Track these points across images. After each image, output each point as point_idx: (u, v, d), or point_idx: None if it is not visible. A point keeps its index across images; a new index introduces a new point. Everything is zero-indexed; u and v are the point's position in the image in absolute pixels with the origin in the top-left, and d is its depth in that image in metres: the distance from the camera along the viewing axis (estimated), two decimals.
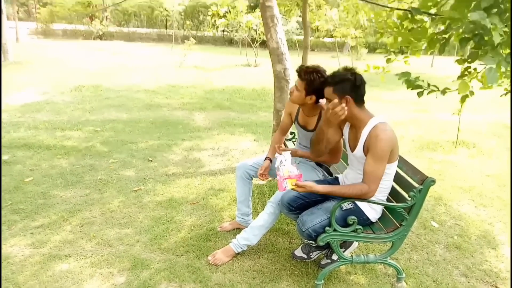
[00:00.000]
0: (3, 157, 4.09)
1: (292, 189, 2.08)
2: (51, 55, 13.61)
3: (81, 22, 23.46)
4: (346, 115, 2.07)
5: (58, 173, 3.75)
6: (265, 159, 2.68)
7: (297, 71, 2.42)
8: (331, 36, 14.47)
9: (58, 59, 12.78)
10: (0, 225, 2.76)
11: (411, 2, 3.37)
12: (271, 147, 2.74)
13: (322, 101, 2.42)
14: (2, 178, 3.58)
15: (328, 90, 2.09)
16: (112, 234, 2.73)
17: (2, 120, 5.55)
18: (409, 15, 2.60)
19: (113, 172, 3.84)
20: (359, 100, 2.08)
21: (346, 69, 2.09)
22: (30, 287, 2.15)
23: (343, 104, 2.01)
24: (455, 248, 2.77)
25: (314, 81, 2.33)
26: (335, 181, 2.44)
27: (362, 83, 2.07)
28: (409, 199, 2.10)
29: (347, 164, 2.41)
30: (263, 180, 2.73)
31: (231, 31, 15.52)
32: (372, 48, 18.33)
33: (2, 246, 2.53)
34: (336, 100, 2.04)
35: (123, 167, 4.00)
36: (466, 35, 2.04)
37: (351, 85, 2.04)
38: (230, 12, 11.59)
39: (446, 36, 2.36)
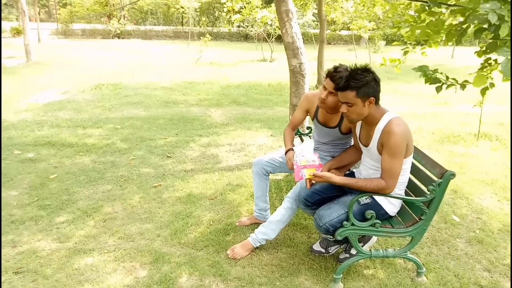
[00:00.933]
0: (29, 155, 4.24)
1: (309, 178, 2.08)
2: (71, 55, 13.94)
3: (99, 21, 23.89)
4: (362, 117, 2.07)
5: (80, 170, 3.86)
6: (287, 152, 2.54)
7: (330, 74, 2.30)
8: (348, 28, 14.28)
9: (78, 58, 13.07)
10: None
11: None
12: (286, 140, 2.67)
13: None
14: (28, 175, 3.72)
15: (350, 95, 2.00)
16: (133, 229, 2.80)
17: (27, 119, 5.73)
18: (427, 8, 2.55)
19: (133, 169, 3.93)
20: (379, 99, 2.06)
21: (364, 70, 2.02)
22: (57, 280, 2.24)
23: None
24: (477, 243, 2.72)
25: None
26: (351, 175, 2.44)
27: (380, 81, 2.05)
28: (428, 193, 2.08)
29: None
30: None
31: (247, 26, 15.52)
32: (390, 40, 18.01)
33: (31, 240, 2.63)
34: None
35: (142, 163, 4.08)
36: (483, 26, 1.99)
37: (373, 86, 2.01)
38: (245, 7, 11.57)
39: (464, 26, 2.31)
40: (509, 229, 2.91)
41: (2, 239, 2.65)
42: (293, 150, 2.54)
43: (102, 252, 2.51)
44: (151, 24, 25.23)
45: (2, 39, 19.63)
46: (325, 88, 2.37)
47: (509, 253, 2.61)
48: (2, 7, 26.93)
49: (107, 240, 2.66)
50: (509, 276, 2.39)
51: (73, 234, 2.72)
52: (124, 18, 24.08)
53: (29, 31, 12.02)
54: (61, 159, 4.16)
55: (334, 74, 2.28)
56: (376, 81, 2.02)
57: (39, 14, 22.95)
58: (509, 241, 2.75)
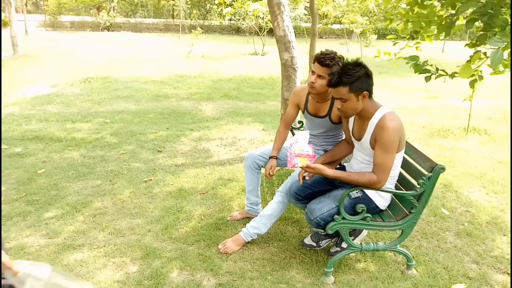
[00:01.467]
0: (16, 149, 4.16)
1: (301, 167, 2.07)
2: (60, 47, 13.69)
3: (89, 13, 23.50)
4: (357, 112, 2.06)
5: (69, 165, 3.81)
6: (271, 157, 2.58)
7: (318, 58, 2.33)
8: (340, 22, 14.26)
9: (66, 51, 12.85)
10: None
11: None
12: (275, 143, 2.65)
13: None
14: (16, 170, 3.66)
15: (343, 90, 1.98)
16: (123, 224, 2.78)
17: (14, 113, 5.63)
18: (419, 1, 2.55)
19: (123, 163, 3.89)
20: (372, 92, 2.05)
21: (355, 65, 2.01)
22: None
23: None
24: (466, 235, 2.76)
25: (337, 66, 2.30)
26: (342, 169, 2.44)
27: (372, 75, 2.05)
28: (419, 186, 2.10)
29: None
30: (270, 178, 2.67)
31: (238, 19, 15.41)
32: (381, 34, 18.05)
33: (19, 236, 2.59)
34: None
35: (133, 158, 4.04)
36: (474, 16, 1.99)
37: (366, 80, 2.00)
38: (236, 0, 11.47)
39: (454, 18, 2.32)
40: (497, 222, 2.95)
41: None
42: (276, 158, 2.57)
43: (92, 248, 2.48)
44: (141, 16, 24.92)
45: None
46: (313, 72, 2.38)
47: (497, 246, 2.65)
48: None
49: (96, 235, 2.63)
50: (497, 267, 2.42)
51: (62, 229, 2.68)
52: (113, 10, 23.72)
53: (15, 22, 11.75)
54: (49, 153, 4.09)
55: (321, 57, 2.32)
56: (368, 75, 2.01)
57: (26, 6, 22.50)
58: (497, 234, 2.79)
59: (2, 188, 3.28)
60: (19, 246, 2.48)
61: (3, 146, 4.25)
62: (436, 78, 2.48)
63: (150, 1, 24.01)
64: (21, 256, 2.38)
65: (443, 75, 2.48)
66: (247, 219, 2.80)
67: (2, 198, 3.11)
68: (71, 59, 11.14)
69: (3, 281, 1.22)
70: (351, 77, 1.97)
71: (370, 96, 2.05)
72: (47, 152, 4.14)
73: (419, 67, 2.53)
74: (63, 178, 3.50)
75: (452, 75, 2.50)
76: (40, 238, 2.58)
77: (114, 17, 22.77)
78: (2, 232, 2.64)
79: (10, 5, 11.73)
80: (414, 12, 2.69)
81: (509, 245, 2.65)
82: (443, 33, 2.33)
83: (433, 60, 2.93)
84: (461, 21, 2.40)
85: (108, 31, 21.74)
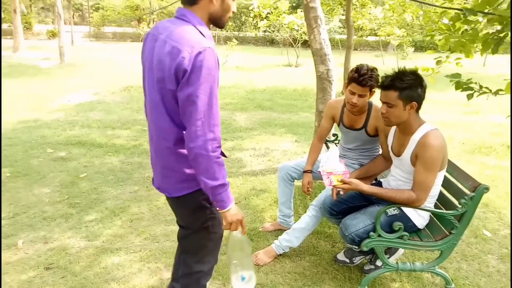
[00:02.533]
0: (60, 154, 4.39)
1: (336, 186, 2.05)
2: (102, 57, 14.38)
3: (130, 25, 24.56)
4: (400, 121, 2.02)
5: (109, 170, 3.97)
6: (305, 171, 2.56)
7: (356, 79, 2.28)
8: (375, 34, 14.07)
9: (108, 60, 13.47)
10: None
11: (464, 2, 3.21)
12: (309, 157, 2.64)
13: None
14: (60, 173, 3.86)
15: (392, 95, 1.94)
16: (159, 230, 2.85)
17: (59, 118, 5.95)
18: (462, 16, 2.48)
19: None
20: (421, 106, 2.00)
21: (411, 73, 1.95)
22: (85, 277, 2.30)
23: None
24: (510, 260, 2.61)
25: (376, 79, 2.29)
26: (378, 185, 2.39)
27: (426, 88, 1.98)
28: (460, 206, 2.02)
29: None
30: (308, 195, 2.67)
31: (273, 31, 15.56)
32: (418, 47, 17.61)
33: (61, 237, 2.73)
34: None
35: None
36: None
37: (418, 91, 1.94)
38: (272, 13, 11.60)
39: (501, 35, 2.23)
40: None
41: (36, 234, 2.76)
42: (311, 172, 2.56)
43: (129, 252, 2.56)
44: None
45: (39, 42, 20.52)
46: (352, 93, 2.35)
47: None
48: (40, 11, 28.10)
49: (133, 240, 2.71)
50: None
51: (101, 233, 2.79)
52: (153, 22, 24.65)
53: (63, 33, 12.50)
54: (91, 158, 4.29)
55: (362, 79, 2.27)
56: (422, 86, 1.95)
57: (73, 18, 23.85)
58: None
59: (47, 190, 3.47)
60: (61, 246, 2.61)
61: (49, 150, 4.50)
62: (478, 95, 2.39)
63: None
64: (63, 257, 2.49)
65: (487, 92, 2.38)
66: (279, 231, 2.80)
67: (47, 200, 3.29)
68: (112, 68, 11.67)
69: None
70: (404, 83, 1.92)
71: (418, 109, 2.00)
72: (88, 157, 4.33)
73: (461, 84, 2.44)
74: (103, 183, 3.65)
75: (496, 93, 2.40)
76: (81, 240, 2.70)
77: None
78: (46, 233, 2.79)
79: (60, 17, 12.50)
80: (456, 28, 2.62)
81: None
82: (488, 50, 2.25)
83: (474, 75, 2.84)
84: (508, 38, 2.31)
85: None
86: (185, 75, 1.29)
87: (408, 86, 1.92)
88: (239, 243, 1.59)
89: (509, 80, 2.18)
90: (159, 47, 1.37)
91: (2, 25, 21.98)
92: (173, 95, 1.35)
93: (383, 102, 2.01)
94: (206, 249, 1.65)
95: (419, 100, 1.97)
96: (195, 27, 1.38)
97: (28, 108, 6.55)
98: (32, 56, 14.07)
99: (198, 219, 1.55)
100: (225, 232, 1.63)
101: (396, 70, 2.01)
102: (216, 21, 1.48)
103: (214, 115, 1.34)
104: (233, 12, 1.51)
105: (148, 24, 23.20)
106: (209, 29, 1.48)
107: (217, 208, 1.46)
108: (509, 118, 4.62)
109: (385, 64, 13.48)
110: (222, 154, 1.69)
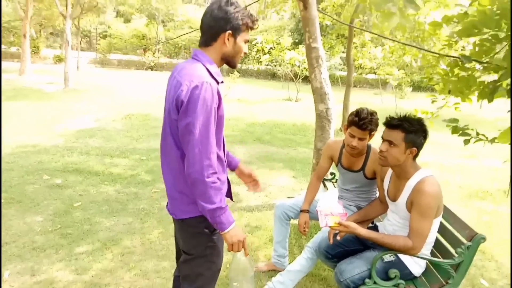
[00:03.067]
0: (57, 181, 4.37)
1: (332, 227, 2.03)
2: (106, 84, 14.60)
3: (135, 53, 25.13)
4: (396, 164, 2.02)
5: (104, 200, 3.93)
6: (302, 211, 2.55)
7: (356, 123, 2.32)
8: (374, 73, 14.41)
9: (112, 87, 13.67)
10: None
11: (462, 49, 3.32)
12: (307, 196, 2.63)
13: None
14: (54, 201, 3.82)
15: (397, 135, 1.96)
16: (150, 266, 2.79)
17: (59, 144, 5.97)
18: (460, 63, 2.56)
19: (155, 202, 3.97)
20: (419, 154, 2.02)
21: (419, 120, 1.99)
22: None
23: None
24: None
25: (376, 123, 2.34)
26: (374, 229, 2.37)
27: (427, 138, 2.02)
28: (457, 255, 1.99)
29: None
30: (304, 235, 2.64)
31: (275, 65, 15.92)
32: (416, 87, 17.96)
33: (50, 270, 2.66)
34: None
35: (164, 197, 4.12)
36: None
37: (422, 138, 1.98)
38: (274, 48, 11.93)
39: (497, 84, 2.29)
40: None
41: (23, 265, 2.70)
42: (308, 211, 2.54)
43: None
44: (183, 58, 26.30)
45: (45, 65, 20.90)
46: (352, 135, 2.37)
47: None
48: (49, 36, 28.84)
49: (123, 275, 2.65)
50: None
51: (91, 266, 2.73)
52: (158, 52, 25.27)
53: (70, 59, 12.76)
54: (86, 187, 4.26)
55: (362, 123, 2.31)
56: (425, 136, 1.99)
57: (81, 44, 24.46)
58: None
59: (40, 219, 3.43)
60: (49, 280, 2.54)
61: (45, 177, 4.48)
62: (475, 142, 2.43)
63: (192, 45, 25.39)
64: None
65: (483, 139, 2.42)
66: (273, 271, 2.74)
67: (39, 229, 3.24)
68: (115, 95, 11.82)
69: None
70: (412, 126, 1.95)
71: (416, 155, 2.02)
72: (84, 185, 4.31)
73: (457, 129, 2.49)
74: (97, 213, 3.61)
75: (492, 141, 2.43)
76: (69, 273, 2.63)
77: (159, 57, 24.19)
78: (35, 264, 2.72)
79: (68, 43, 12.81)
80: (454, 74, 2.69)
81: None
82: (484, 98, 2.31)
83: (471, 117, 2.90)
84: (504, 86, 2.37)
85: (152, 70, 23.04)
86: (183, 105, 1.45)
87: (414, 131, 1.95)
88: (241, 265, 1.62)
89: (505, 129, 2.22)
90: (170, 83, 1.58)
91: (11, 48, 22.50)
92: (176, 124, 1.52)
93: (385, 140, 2.01)
94: (203, 278, 1.69)
95: (420, 147, 2.00)
96: (203, 65, 1.55)
97: (28, 132, 6.58)
98: (37, 80, 14.29)
99: (198, 245, 1.64)
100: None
101: (403, 114, 2.04)
102: (228, 61, 1.64)
103: (210, 144, 1.47)
104: (245, 53, 1.64)
105: (154, 53, 23.76)
106: (219, 67, 1.63)
107: (218, 231, 1.55)
108: (506, 163, 4.66)
109: (384, 103, 13.70)
110: (230, 198, 1.92)
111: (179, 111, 1.48)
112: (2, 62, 20.10)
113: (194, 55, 1.60)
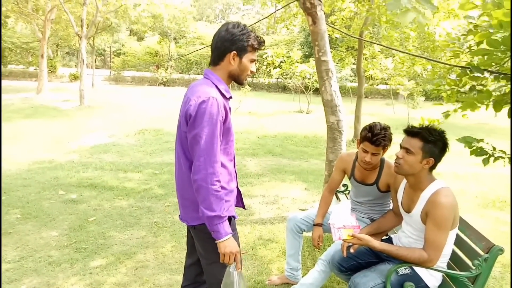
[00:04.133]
0: (72, 196, 4.44)
1: (345, 240, 2.01)
2: (120, 100, 14.89)
3: (148, 70, 25.63)
4: (411, 174, 2.00)
5: (118, 214, 3.98)
6: (315, 225, 2.56)
7: (369, 138, 2.30)
8: (386, 83, 14.35)
9: (126, 103, 13.94)
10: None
11: (471, 59, 3.29)
12: (320, 210, 2.63)
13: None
14: (69, 216, 3.88)
15: (416, 143, 1.94)
16: (163, 280, 2.79)
17: (74, 160, 6.08)
18: (469, 72, 2.53)
19: (168, 216, 3.99)
20: (436, 166, 1.99)
21: (440, 132, 1.97)
22: None
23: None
24: None
25: (389, 138, 2.33)
26: (389, 241, 2.33)
27: (446, 152, 1.99)
28: (474, 268, 1.94)
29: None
30: (318, 249, 2.64)
31: (285, 78, 16.03)
32: (429, 96, 17.78)
33: (65, 284, 2.69)
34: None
35: (177, 210, 4.14)
36: None
37: (440, 149, 1.95)
38: (285, 61, 12.02)
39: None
40: None
41: (39, 280, 2.73)
42: (321, 225, 2.55)
43: None
44: (195, 73, 26.71)
45: (61, 84, 21.46)
46: (365, 151, 2.36)
47: None
48: (65, 55, 29.68)
49: None
50: None
51: (105, 280, 2.75)
52: (171, 68, 25.73)
53: (85, 77, 13.10)
54: (101, 201, 4.32)
55: (375, 139, 2.29)
56: (444, 148, 1.96)
57: (95, 62, 25.08)
58: None
59: (55, 234, 3.48)
60: None
61: (60, 192, 4.56)
62: (494, 161, 2.34)
63: (204, 60, 25.80)
64: None
65: (503, 157, 2.33)
66: (286, 284, 2.72)
67: (55, 244, 3.29)
68: (129, 111, 12.04)
69: None
70: (431, 136, 1.93)
71: (433, 167, 1.99)
72: (99, 200, 4.37)
73: (475, 150, 2.40)
74: (111, 227, 3.65)
75: None
76: (84, 287, 2.66)
77: (171, 73, 24.62)
78: (50, 278, 2.76)
79: (83, 62, 13.16)
80: (463, 83, 2.66)
81: None
82: (500, 110, 2.25)
83: (485, 126, 2.84)
84: None
85: (164, 86, 23.43)
86: (191, 118, 1.58)
87: (433, 141, 1.94)
88: (232, 279, 1.64)
89: None
90: (183, 100, 1.70)
91: (29, 68, 23.21)
92: (186, 136, 1.63)
93: (403, 148, 1.99)
94: (221, 284, 1.72)
95: (437, 159, 1.97)
96: (213, 83, 1.68)
97: (45, 149, 6.73)
98: (54, 98, 14.67)
99: (213, 251, 1.67)
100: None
101: (425, 124, 2.03)
102: (235, 79, 1.76)
103: (215, 153, 1.57)
104: (252, 71, 1.76)
105: (166, 69, 24.19)
106: (228, 85, 1.75)
107: (214, 239, 1.61)
108: None
109: (396, 113, 13.60)
110: (242, 206, 2.02)
111: (188, 124, 1.60)
112: (21, 82, 20.73)
113: (205, 74, 1.74)
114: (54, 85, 19.75)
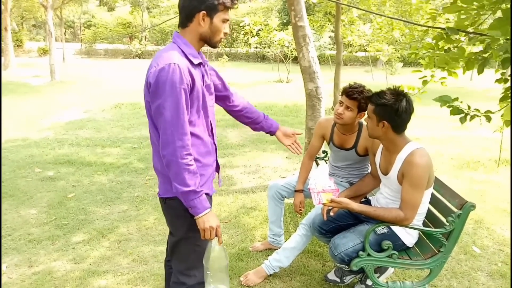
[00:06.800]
0: (49, 173, 4.34)
1: (325, 204, 2.05)
2: (94, 74, 14.38)
3: (122, 42, 24.68)
4: (382, 138, 2.05)
5: (98, 189, 3.92)
6: (296, 191, 2.60)
7: (346, 91, 2.34)
8: (365, 50, 14.33)
9: (99, 77, 13.47)
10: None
11: (447, 21, 3.29)
12: (300, 176, 2.65)
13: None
14: (48, 193, 3.81)
15: (370, 107, 2.03)
16: (147, 251, 2.81)
17: (48, 137, 5.90)
18: (445, 35, 2.54)
19: (149, 189, 3.97)
20: (398, 128, 2.00)
21: (394, 93, 1.98)
22: None
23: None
24: (499, 276, 2.62)
25: (366, 99, 2.32)
26: (367, 203, 2.40)
27: (406, 112, 1.96)
28: (448, 224, 2.03)
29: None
30: (300, 215, 2.68)
31: (264, 47, 15.78)
32: (407, 62, 17.93)
33: (47, 261, 2.67)
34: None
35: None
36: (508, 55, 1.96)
37: (391, 112, 1.95)
38: (262, 30, 11.78)
39: (486, 55, 2.28)
40: None
41: (20, 257, 2.70)
42: (303, 191, 2.58)
43: (116, 275, 2.52)
44: None
45: (30, 59, 20.48)
46: (341, 103, 2.38)
47: None
48: (32, 29, 28.17)
49: (121, 262, 2.67)
50: None
51: (88, 255, 2.74)
52: (145, 39, 24.84)
53: (54, 51, 12.50)
54: (79, 178, 4.24)
55: (350, 91, 2.33)
56: (395, 110, 1.94)
57: (65, 35, 23.92)
58: None
59: (34, 211, 3.42)
60: (47, 270, 2.55)
61: (37, 170, 4.44)
62: (471, 120, 2.39)
63: None
64: (48, 281, 2.44)
65: (478, 115, 2.39)
66: (270, 250, 2.78)
67: (34, 221, 3.23)
68: (103, 86, 11.66)
69: None
70: (379, 100, 1.97)
71: (394, 130, 2.00)
72: (77, 176, 4.29)
73: (454, 109, 2.43)
74: (91, 203, 3.61)
75: (488, 117, 2.39)
76: (67, 263, 2.65)
77: (146, 45, 23.80)
78: (32, 256, 2.73)
79: (51, 35, 12.52)
80: (440, 47, 2.67)
81: None
82: (472, 69, 2.29)
83: (462, 89, 2.90)
84: (494, 59, 2.34)
85: (139, 58, 22.70)
86: (151, 87, 1.46)
87: (381, 104, 1.96)
88: (215, 254, 1.60)
89: (506, 107, 2.19)
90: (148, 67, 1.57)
91: None
92: (150, 106, 1.51)
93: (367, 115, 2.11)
94: (189, 261, 1.68)
95: (392, 122, 1.97)
96: (179, 47, 1.54)
97: (17, 127, 6.49)
98: (22, 74, 14.02)
99: (181, 226, 1.63)
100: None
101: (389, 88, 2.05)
102: (207, 41, 1.61)
103: (182, 125, 1.45)
104: (225, 33, 1.61)
105: (140, 41, 23.35)
106: (198, 49, 1.60)
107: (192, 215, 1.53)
108: (496, 132, 4.69)
109: (375, 79, 13.70)
110: (217, 171, 1.91)
111: (150, 93, 1.48)
112: None
113: (173, 38, 1.60)
114: (22, 60, 18.83)
